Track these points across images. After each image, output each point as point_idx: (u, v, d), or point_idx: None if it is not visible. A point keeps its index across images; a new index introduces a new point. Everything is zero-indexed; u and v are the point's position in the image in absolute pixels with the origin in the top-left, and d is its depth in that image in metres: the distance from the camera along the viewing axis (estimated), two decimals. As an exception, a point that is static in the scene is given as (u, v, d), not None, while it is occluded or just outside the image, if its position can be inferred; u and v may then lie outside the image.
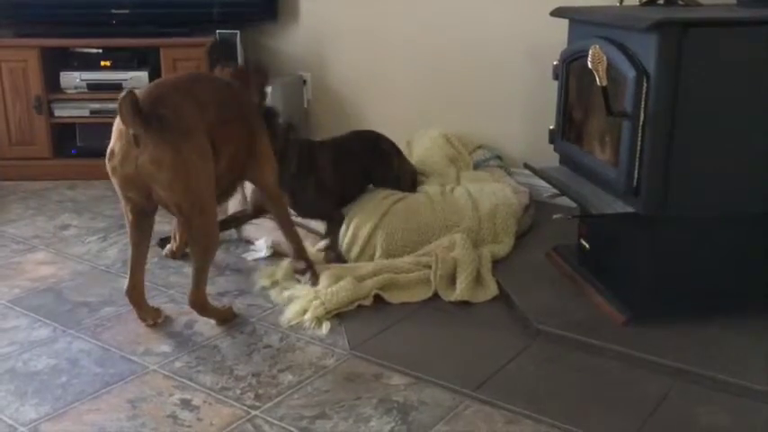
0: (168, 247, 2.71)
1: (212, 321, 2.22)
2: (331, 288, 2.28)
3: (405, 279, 2.37)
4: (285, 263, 2.50)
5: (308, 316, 2.21)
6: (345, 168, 2.78)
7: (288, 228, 2.49)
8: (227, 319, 2.24)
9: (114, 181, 2.05)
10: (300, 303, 2.26)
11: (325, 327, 2.17)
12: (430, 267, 2.41)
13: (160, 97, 2.01)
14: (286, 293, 2.35)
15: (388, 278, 2.35)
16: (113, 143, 2.01)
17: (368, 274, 2.37)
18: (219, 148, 2.12)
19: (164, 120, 1.95)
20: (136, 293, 2.21)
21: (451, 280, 2.38)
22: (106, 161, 2.03)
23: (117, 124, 1.99)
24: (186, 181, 1.99)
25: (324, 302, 2.22)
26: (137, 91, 1.95)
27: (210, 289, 2.43)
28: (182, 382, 1.92)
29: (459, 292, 2.32)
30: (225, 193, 2.37)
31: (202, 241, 2.12)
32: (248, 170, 2.36)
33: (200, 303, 2.16)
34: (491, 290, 2.36)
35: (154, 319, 2.22)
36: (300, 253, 2.47)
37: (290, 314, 2.23)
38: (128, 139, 1.95)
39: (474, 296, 2.33)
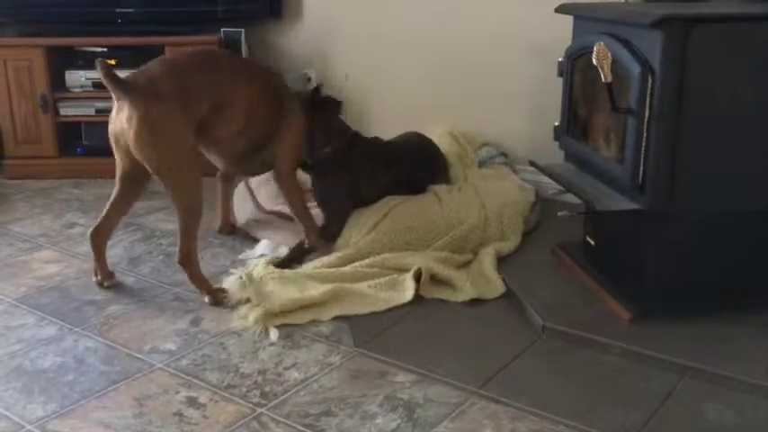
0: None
1: (218, 319, 2.23)
2: (274, 293, 2.29)
3: (357, 289, 2.31)
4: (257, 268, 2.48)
5: (251, 318, 2.19)
6: (398, 172, 2.77)
7: (300, 211, 2.59)
8: (212, 295, 2.31)
9: (111, 140, 2.28)
10: (246, 308, 2.25)
11: (273, 334, 2.12)
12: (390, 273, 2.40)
13: (143, 68, 2.25)
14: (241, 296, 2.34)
15: (338, 288, 2.30)
16: (113, 108, 2.25)
17: (319, 283, 2.35)
18: (213, 108, 2.28)
19: (137, 84, 2.16)
20: (98, 239, 2.42)
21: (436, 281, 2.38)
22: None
23: None
24: (153, 138, 2.15)
25: (265, 307, 2.21)
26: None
27: (216, 286, 2.44)
28: (188, 379, 1.93)
29: (466, 291, 2.32)
30: (244, 158, 2.52)
31: (182, 200, 2.26)
32: (269, 149, 2.51)
33: (188, 261, 2.30)
34: (497, 287, 2.35)
35: (105, 279, 2.43)
36: (311, 234, 2.58)
37: (235, 318, 2.22)
38: (117, 105, 2.21)
39: (481, 294, 2.33)
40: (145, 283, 2.49)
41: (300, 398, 1.84)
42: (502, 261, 2.51)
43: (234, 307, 2.29)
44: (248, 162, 2.57)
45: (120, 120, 2.18)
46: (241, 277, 2.42)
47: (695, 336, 2.02)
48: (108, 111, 3.52)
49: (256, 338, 2.12)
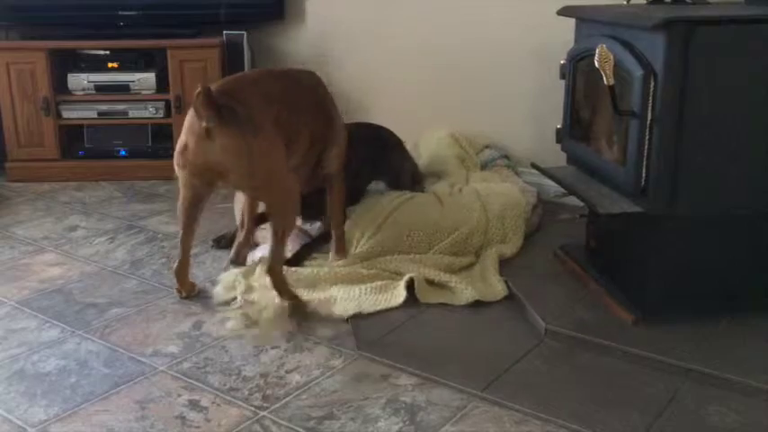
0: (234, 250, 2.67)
1: (221, 322, 2.23)
2: (258, 303, 2.29)
3: (347, 291, 2.33)
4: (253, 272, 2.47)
5: (229, 325, 2.21)
6: (351, 157, 2.76)
7: (337, 207, 2.57)
8: (295, 302, 2.27)
9: (184, 173, 2.19)
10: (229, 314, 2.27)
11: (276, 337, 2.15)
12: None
13: (232, 92, 2.13)
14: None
15: (328, 291, 2.33)
16: (185, 137, 2.13)
17: (311, 286, 2.37)
18: (290, 139, 2.24)
19: (235, 113, 2.07)
20: (182, 272, 2.39)
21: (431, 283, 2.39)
22: (176, 155, 2.17)
23: (188, 118, 2.12)
24: (254, 171, 2.12)
25: (247, 315, 2.24)
26: (212, 86, 2.07)
27: (219, 290, 2.44)
28: (190, 382, 1.92)
29: (465, 295, 2.32)
30: (307, 183, 2.47)
31: (283, 214, 2.24)
32: (323, 156, 2.48)
33: (275, 272, 2.25)
34: (498, 290, 2.35)
35: (188, 291, 2.40)
36: (336, 226, 2.56)
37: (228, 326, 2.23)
38: (200, 133, 2.07)
39: (481, 297, 2.33)
40: (147, 285, 2.49)
41: (302, 401, 1.84)
42: (504, 264, 2.51)
43: (223, 306, 2.32)
44: (312, 181, 2.51)
45: (212, 153, 2.08)
46: (233, 277, 2.44)
47: (698, 338, 2.02)
48: (110, 113, 3.63)
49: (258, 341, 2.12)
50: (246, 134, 2.08)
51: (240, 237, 2.65)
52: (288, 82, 2.40)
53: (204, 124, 2.04)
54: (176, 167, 2.19)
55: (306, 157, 2.39)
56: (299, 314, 2.23)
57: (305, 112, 2.36)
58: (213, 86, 2.08)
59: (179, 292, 2.39)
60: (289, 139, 2.24)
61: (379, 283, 2.36)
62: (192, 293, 2.39)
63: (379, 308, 2.27)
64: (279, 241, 2.24)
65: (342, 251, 2.54)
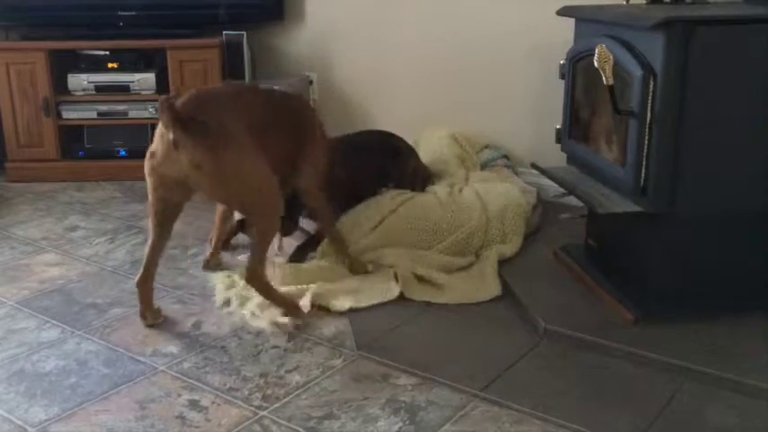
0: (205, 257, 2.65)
1: (220, 323, 2.23)
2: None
3: (342, 285, 2.37)
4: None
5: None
6: (358, 165, 2.78)
7: (327, 228, 2.53)
8: (292, 310, 2.21)
9: (151, 180, 2.09)
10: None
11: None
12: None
13: (202, 103, 2.04)
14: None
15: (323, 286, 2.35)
16: (155, 144, 2.05)
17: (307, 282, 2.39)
18: (267, 148, 2.15)
19: (204, 125, 1.98)
20: (146, 287, 2.22)
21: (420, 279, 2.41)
22: (146, 160, 2.08)
23: (160, 127, 2.03)
24: (226, 184, 2.03)
25: (254, 313, 2.25)
26: (180, 96, 1.99)
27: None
28: (190, 382, 1.92)
29: (456, 296, 2.33)
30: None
31: (262, 222, 2.15)
32: (294, 172, 2.39)
33: (257, 277, 2.15)
34: (492, 289, 2.35)
35: (154, 319, 2.22)
36: (328, 231, 2.54)
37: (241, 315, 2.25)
38: (168, 143, 1.99)
39: (473, 297, 2.33)
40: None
41: (302, 401, 1.84)
42: (504, 263, 2.51)
43: (221, 306, 2.33)
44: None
45: (180, 165, 1.99)
46: (228, 276, 2.45)
47: (698, 338, 2.02)
48: (110, 114, 3.64)
49: (258, 341, 2.12)
50: (216, 147, 1.98)
51: (212, 240, 2.61)
52: (261, 94, 2.34)
53: (171, 136, 1.96)
54: (145, 172, 2.09)
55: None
56: (296, 318, 2.21)
57: (276, 126, 2.27)
58: (183, 96, 2.01)
59: (143, 317, 2.22)
60: (265, 150, 2.14)
61: (374, 277, 2.39)
62: (157, 321, 2.22)
63: (374, 302, 2.29)
64: (259, 247, 2.15)
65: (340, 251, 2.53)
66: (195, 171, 1.99)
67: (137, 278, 2.22)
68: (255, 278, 2.16)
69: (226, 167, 2.00)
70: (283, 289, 2.34)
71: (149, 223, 2.19)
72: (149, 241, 2.20)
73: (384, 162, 2.89)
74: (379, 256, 2.51)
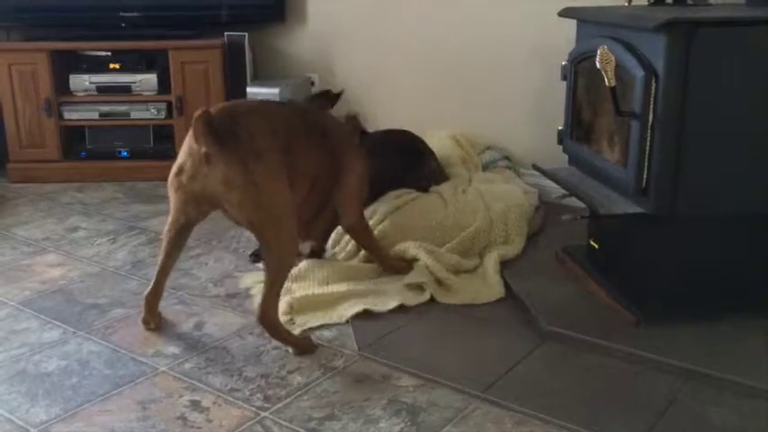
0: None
1: (222, 323, 2.23)
2: (301, 293, 2.30)
3: (374, 287, 2.36)
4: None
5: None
6: (384, 163, 2.78)
7: (378, 257, 2.48)
8: (303, 349, 2.06)
9: (177, 196, 2.04)
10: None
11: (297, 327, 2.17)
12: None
13: (234, 117, 1.99)
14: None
15: (356, 287, 2.35)
16: (183, 159, 2.00)
17: (339, 281, 2.38)
18: (294, 175, 2.08)
19: (237, 139, 1.94)
20: (154, 300, 2.21)
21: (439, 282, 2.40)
22: (171, 176, 2.03)
23: (188, 140, 1.99)
24: (257, 200, 1.95)
25: (291, 304, 2.24)
26: (211, 109, 1.94)
27: (220, 290, 2.44)
28: (191, 383, 1.92)
29: (463, 297, 2.33)
30: (309, 224, 2.34)
31: (278, 255, 2.03)
32: (333, 201, 2.34)
33: (268, 320, 2.03)
34: (496, 291, 2.35)
35: (156, 324, 2.21)
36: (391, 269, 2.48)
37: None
38: (199, 157, 1.94)
39: (477, 298, 2.33)
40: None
41: (304, 402, 1.84)
42: (506, 264, 2.51)
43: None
44: (312, 226, 2.40)
45: (209, 180, 1.94)
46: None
47: (699, 339, 2.02)
48: (112, 114, 3.64)
49: (260, 342, 2.12)
50: (248, 161, 1.93)
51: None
52: (294, 112, 2.24)
53: (203, 149, 1.92)
54: (169, 189, 2.05)
55: (307, 197, 2.21)
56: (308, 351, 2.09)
57: (311, 148, 2.19)
58: (214, 110, 1.97)
59: (146, 323, 2.20)
60: (293, 174, 2.07)
61: (401, 278, 2.39)
62: (159, 325, 2.21)
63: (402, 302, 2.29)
64: (272, 286, 2.02)
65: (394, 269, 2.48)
66: (225, 187, 1.93)
67: (146, 291, 2.20)
68: (267, 319, 2.03)
69: (257, 185, 1.94)
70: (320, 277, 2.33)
71: (164, 239, 2.16)
72: (161, 257, 2.18)
73: (408, 162, 2.92)
74: (404, 250, 2.50)
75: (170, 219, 2.12)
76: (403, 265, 2.46)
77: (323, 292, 2.32)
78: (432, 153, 3.07)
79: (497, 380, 1.91)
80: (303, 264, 2.46)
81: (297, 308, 2.24)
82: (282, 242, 2.03)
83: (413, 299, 2.31)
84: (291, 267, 2.20)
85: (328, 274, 2.40)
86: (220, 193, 1.94)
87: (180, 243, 2.18)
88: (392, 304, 2.27)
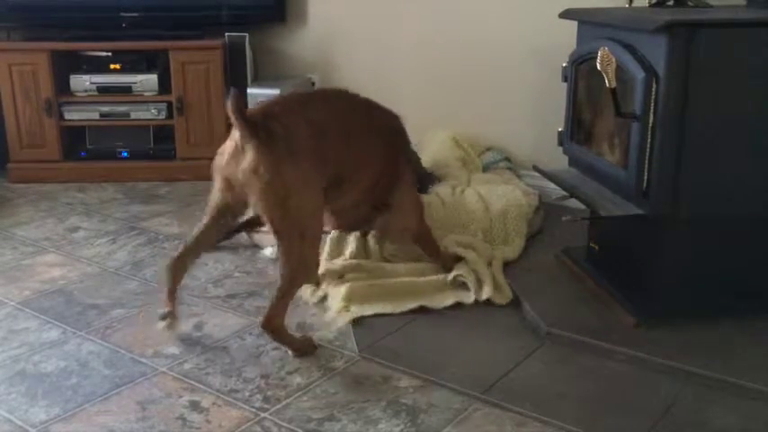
0: None
1: (222, 324, 2.23)
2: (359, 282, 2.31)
3: (427, 282, 2.36)
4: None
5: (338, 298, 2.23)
6: None
7: (442, 264, 2.45)
8: (304, 351, 2.05)
9: (215, 177, 2.04)
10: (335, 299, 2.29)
11: (347, 317, 2.19)
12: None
13: (274, 112, 1.98)
14: (318, 293, 2.36)
15: (412, 281, 2.35)
16: (227, 143, 2.00)
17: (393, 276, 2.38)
18: (344, 173, 2.07)
19: (272, 134, 1.92)
20: (176, 271, 2.13)
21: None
22: (216, 156, 2.03)
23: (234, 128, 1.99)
24: (282, 200, 1.92)
25: (349, 292, 2.26)
26: (261, 101, 1.95)
27: (220, 291, 2.44)
28: (191, 384, 1.92)
29: (486, 289, 2.33)
30: (353, 227, 2.35)
31: (295, 264, 1.99)
32: (392, 204, 2.33)
33: (272, 326, 2.00)
34: (506, 294, 2.34)
35: (171, 316, 2.13)
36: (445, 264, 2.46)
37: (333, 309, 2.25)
38: (237, 144, 1.95)
39: (495, 298, 2.33)
40: (148, 286, 2.49)
41: (303, 402, 1.84)
42: (506, 265, 2.50)
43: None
44: (352, 229, 2.40)
45: (243, 166, 1.92)
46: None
47: (699, 341, 2.02)
48: (112, 115, 3.64)
49: (259, 342, 2.12)
50: (280, 157, 1.90)
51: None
52: (354, 116, 2.22)
53: (238, 134, 1.91)
54: (212, 168, 2.04)
55: (359, 197, 2.20)
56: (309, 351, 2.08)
57: (364, 152, 2.16)
58: (260, 102, 1.96)
59: (165, 307, 2.11)
60: (337, 176, 2.05)
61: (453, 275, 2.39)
62: (170, 320, 2.12)
63: (451, 301, 2.30)
64: (283, 297, 1.98)
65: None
66: (253, 175, 1.91)
67: (168, 260, 2.14)
68: (270, 326, 2.00)
69: (286, 186, 1.91)
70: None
71: (205, 211, 2.11)
72: (195, 228, 2.13)
73: None
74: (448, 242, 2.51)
75: (211, 195, 2.09)
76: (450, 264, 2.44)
77: (381, 282, 2.33)
78: (416, 160, 3.03)
79: (497, 381, 1.91)
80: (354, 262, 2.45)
81: (354, 297, 2.25)
82: (303, 254, 1.99)
83: (467, 297, 2.31)
84: (307, 281, 2.16)
85: (384, 266, 2.42)
86: (247, 182, 1.92)
87: (216, 221, 2.10)
88: (447, 302, 2.28)
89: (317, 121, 2.05)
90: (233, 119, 1.89)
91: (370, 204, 2.32)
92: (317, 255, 2.11)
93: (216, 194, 2.06)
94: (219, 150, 2.03)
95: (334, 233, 2.56)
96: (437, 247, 2.47)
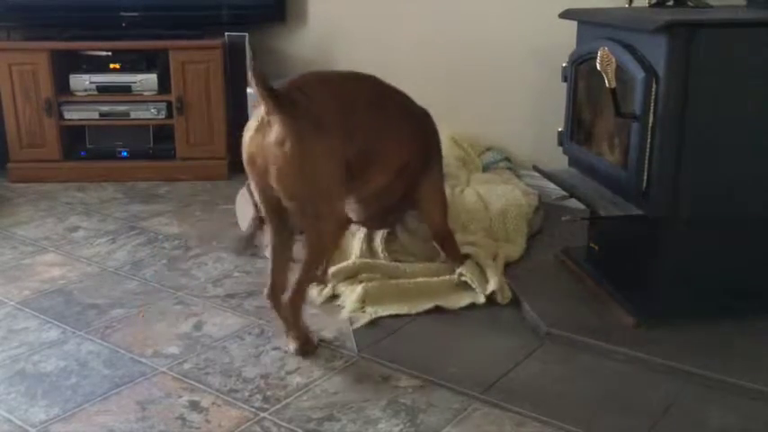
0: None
1: (222, 324, 2.23)
2: (375, 282, 2.30)
3: (441, 282, 2.36)
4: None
5: (353, 297, 2.24)
6: None
7: (454, 260, 2.43)
8: (305, 348, 2.04)
9: (243, 158, 1.97)
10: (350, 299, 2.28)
11: (364, 318, 2.19)
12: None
13: (300, 84, 1.95)
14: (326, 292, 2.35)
15: (428, 281, 2.34)
16: (251, 119, 1.97)
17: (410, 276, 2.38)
18: (371, 153, 2.02)
19: (298, 106, 1.89)
20: (276, 302, 2.06)
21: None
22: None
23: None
24: (303, 173, 1.87)
25: (364, 293, 2.25)
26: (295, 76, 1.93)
27: (220, 291, 2.44)
28: (190, 383, 1.92)
29: (492, 282, 2.33)
30: (378, 219, 2.31)
31: (312, 242, 1.97)
32: (414, 200, 2.30)
33: (293, 305, 2.00)
34: (507, 293, 2.34)
35: (311, 344, 2.08)
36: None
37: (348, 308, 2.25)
38: (261, 119, 1.91)
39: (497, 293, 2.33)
40: (148, 286, 2.49)
41: (303, 402, 1.84)
42: (506, 266, 2.50)
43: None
44: (377, 220, 2.35)
45: (268, 139, 1.88)
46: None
47: (699, 341, 2.02)
48: (112, 114, 3.64)
49: (259, 342, 2.12)
50: (306, 129, 1.85)
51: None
52: (385, 98, 2.19)
53: (263, 108, 1.87)
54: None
55: (382, 191, 2.16)
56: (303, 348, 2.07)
57: (393, 133, 2.12)
58: (287, 79, 1.91)
59: (300, 344, 2.03)
60: (364, 161, 2.00)
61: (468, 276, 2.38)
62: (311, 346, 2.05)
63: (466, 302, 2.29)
64: (307, 267, 1.97)
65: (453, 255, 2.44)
66: (279, 147, 1.86)
67: (265, 291, 2.08)
68: (293, 302, 2.00)
69: (306, 152, 1.86)
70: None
71: (267, 230, 2.06)
72: (270, 241, 2.05)
73: None
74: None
75: (254, 197, 2.02)
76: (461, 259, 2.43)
77: (396, 283, 2.32)
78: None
79: (497, 381, 1.91)
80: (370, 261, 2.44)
81: (369, 297, 2.25)
82: (320, 230, 1.95)
83: (479, 297, 2.30)
84: (328, 250, 2.11)
85: (398, 266, 2.42)
86: (271, 154, 1.87)
87: (277, 222, 2.02)
88: (463, 302, 2.28)
89: (346, 97, 2.02)
90: (258, 92, 1.84)
91: (396, 196, 2.29)
92: (335, 234, 2.06)
93: (256, 193, 2.00)
94: (246, 128, 1.97)
95: (361, 233, 2.53)
96: (458, 248, 2.46)
